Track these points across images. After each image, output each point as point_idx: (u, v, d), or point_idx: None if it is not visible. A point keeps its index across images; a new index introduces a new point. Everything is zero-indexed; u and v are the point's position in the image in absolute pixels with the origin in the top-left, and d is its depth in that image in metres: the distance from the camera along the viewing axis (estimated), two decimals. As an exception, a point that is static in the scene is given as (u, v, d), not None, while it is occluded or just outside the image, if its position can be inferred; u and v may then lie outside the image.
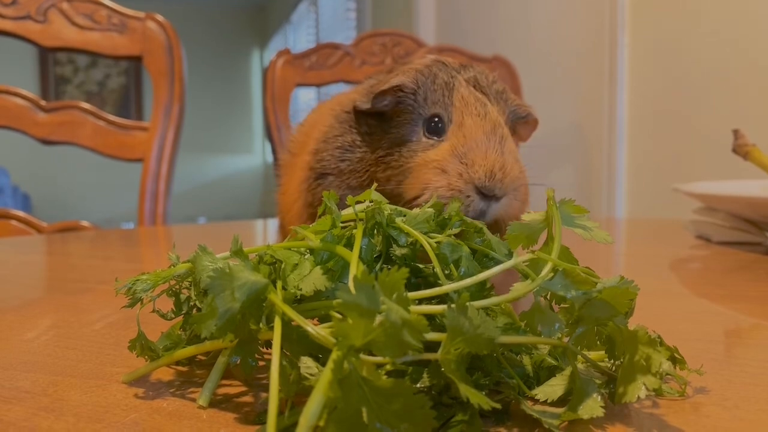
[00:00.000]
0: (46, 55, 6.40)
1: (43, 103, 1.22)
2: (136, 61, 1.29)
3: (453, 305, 0.25)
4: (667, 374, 0.31)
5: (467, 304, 0.26)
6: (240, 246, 0.32)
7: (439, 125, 0.49)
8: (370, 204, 0.35)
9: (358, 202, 0.35)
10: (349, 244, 0.33)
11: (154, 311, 0.36)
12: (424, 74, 0.50)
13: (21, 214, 1.18)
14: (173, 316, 0.36)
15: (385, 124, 0.52)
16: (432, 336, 0.25)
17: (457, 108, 0.49)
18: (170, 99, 1.27)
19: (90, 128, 1.24)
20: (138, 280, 0.34)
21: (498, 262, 0.32)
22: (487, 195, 0.46)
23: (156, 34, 1.27)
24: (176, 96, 1.27)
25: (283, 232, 0.68)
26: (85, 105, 1.25)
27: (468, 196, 0.46)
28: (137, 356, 0.34)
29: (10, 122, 1.21)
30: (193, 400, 0.31)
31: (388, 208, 0.34)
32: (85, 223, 1.19)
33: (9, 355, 0.38)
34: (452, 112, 0.49)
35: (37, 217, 1.20)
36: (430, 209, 0.36)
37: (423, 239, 0.33)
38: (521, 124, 0.55)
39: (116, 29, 1.26)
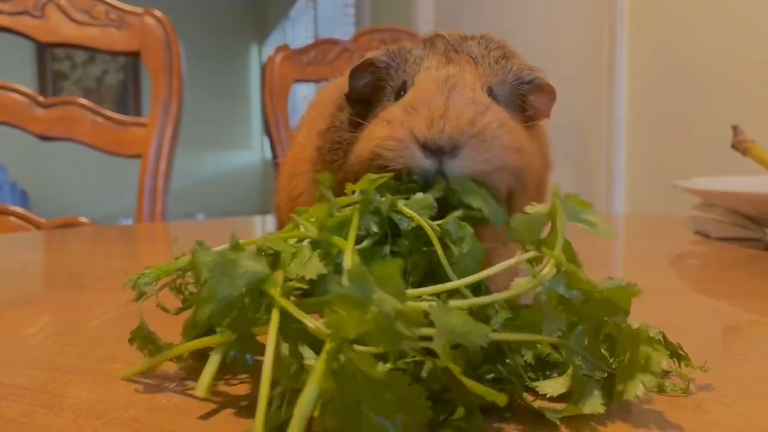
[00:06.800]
0: (44, 50, 6.38)
1: (41, 99, 1.22)
2: (134, 56, 1.28)
3: (438, 306, 0.25)
4: (670, 371, 0.31)
5: (452, 306, 0.26)
6: (237, 240, 0.31)
7: (401, 93, 0.44)
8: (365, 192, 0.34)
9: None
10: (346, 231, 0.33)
11: (158, 306, 0.35)
12: (403, 47, 0.47)
13: (19, 210, 1.18)
14: (178, 312, 0.35)
15: (369, 110, 0.47)
16: (429, 331, 0.25)
17: (420, 72, 0.44)
18: (168, 95, 1.26)
19: (88, 124, 1.23)
20: (142, 274, 0.34)
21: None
22: (432, 150, 0.37)
23: (154, 30, 1.26)
24: (174, 92, 1.27)
25: (281, 216, 0.64)
26: (83, 101, 1.24)
27: (407, 149, 0.38)
28: (136, 348, 0.33)
29: (8, 118, 1.20)
30: (193, 395, 0.31)
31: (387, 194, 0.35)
32: (83, 219, 1.19)
33: (8, 352, 0.38)
34: (414, 77, 0.44)
35: (35, 213, 1.20)
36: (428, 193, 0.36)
37: (425, 224, 0.33)
38: (533, 93, 0.46)
39: (114, 25, 1.26)
